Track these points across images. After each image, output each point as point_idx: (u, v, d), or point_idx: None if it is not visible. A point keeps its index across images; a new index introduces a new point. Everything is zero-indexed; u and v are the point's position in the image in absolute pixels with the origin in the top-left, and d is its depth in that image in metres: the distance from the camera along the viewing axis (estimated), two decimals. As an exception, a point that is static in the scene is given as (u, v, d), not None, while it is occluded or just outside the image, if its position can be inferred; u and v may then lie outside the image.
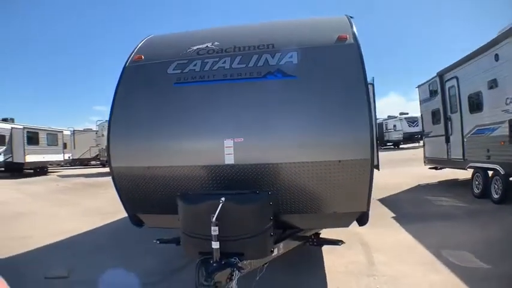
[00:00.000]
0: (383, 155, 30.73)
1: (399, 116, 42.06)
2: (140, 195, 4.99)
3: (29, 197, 15.00)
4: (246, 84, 4.65)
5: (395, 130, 40.62)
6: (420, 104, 14.51)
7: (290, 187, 4.41)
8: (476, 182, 10.02)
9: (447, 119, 11.77)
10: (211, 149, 4.51)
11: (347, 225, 4.81)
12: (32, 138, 26.08)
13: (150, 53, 5.49)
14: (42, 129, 28.10)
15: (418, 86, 14.46)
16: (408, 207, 9.27)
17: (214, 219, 3.51)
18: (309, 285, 5.01)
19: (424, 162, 14.32)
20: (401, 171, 17.21)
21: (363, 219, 4.74)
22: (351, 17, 5.55)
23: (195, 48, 5.25)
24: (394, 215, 8.57)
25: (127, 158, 5.01)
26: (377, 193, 11.21)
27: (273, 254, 4.25)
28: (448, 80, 11.61)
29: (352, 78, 4.36)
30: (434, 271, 5.11)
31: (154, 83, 5.13)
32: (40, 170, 27.73)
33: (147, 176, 4.86)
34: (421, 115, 14.91)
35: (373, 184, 4.53)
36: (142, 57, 5.44)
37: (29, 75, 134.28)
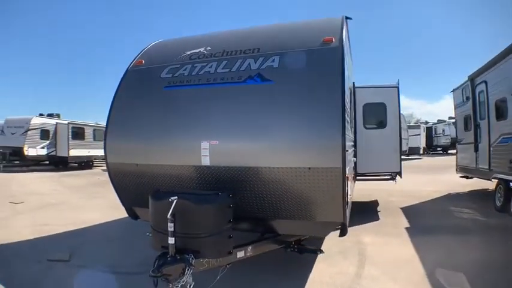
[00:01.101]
0: (428, 161, 30.21)
1: (448, 120, 40.33)
2: (132, 189, 5.34)
3: (66, 189, 15.78)
4: (227, 89, 4.77)
5: (443, 135, 39.03)
6: (455, 109, 13.80)
7: (262, 191, 4.49)
8: (499, 195, 9.49)
9: (476, 126, 11.13)
10: (190, 150, 4.70)
11: (324, 234, 4.80)
12: (77, 133, 27.37)
13: (150, 58, 5.80)
14: (89, 125, 29.45)
15: (453, 90, 13.80)
16: (426, 218, 8.92)
17: (168, 215, 3.67)
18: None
19: (456, 170, 13.66)
20: (438, 178, 16.70)
21: (342, 231, 4.69)
22: (348, 18, 5.54)
23: (189, 53, 5.46)
24: (408, 225, 8.26)
25: (120, 155, 5.41)
26: (403, 201, 11.13)
27: (238, 256, 4.34)
28: (478, 84, 10.96)
29: (328, 82, 4.33)
30: None
31: (149, 87, 5.42)
32: (85, 164, 28.97)
33: (136, 172, 5.23)
34: (456, 121, 14.28)
35: (347, 194, 4.53)
36: (143, 61, 5.78)
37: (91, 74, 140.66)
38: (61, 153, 26.08)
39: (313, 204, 4.38)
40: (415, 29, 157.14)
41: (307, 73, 4.52)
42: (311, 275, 5.36)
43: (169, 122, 5.03)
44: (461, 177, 13.35)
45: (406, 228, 7.91)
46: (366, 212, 9.87)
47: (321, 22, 5.45)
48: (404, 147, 27.16)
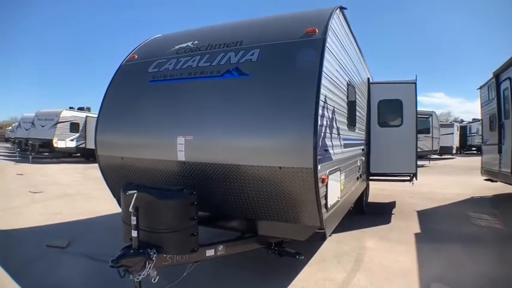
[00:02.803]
0: (459, 161, 29.17)
1: (483, 119, 38.43)
2: (120, 182, 5.34)
3: (87, 181, 16.13)
4: (205, 83, 4.67)
5: (478, 134, 37.37)
6: (481, 107, 13.09)
7: (237, 190, 4.36)
8: (521, 200, 8.88)
9: (500, 126, 10.47)
10: (168, 144, 4.66)
11: (302, 238, 4.51)
12: (107, 126, 27.86)
13: (143, 53, 5.83)
14: (120, 119, 29.88)
15: (480, 88, 13.09)
16: (440, 224, 8.40)
17: (130, 208, 3.65)
18: None
19: (481, 172, 12.99)
20: (465, 180, 15.99)
21: (320, 235, 4.46)
22: (344, 8, 5.31)
23: (177, 47, 5.42)
24: (419, 231, 7.82)
25: (108, 148, 5.51)
26: (421, 204, 10.65)
27: (208, 254, 4.25)
28: (503, 81, 10.29)
29: (303, 77, 4.12)
30: None
31: (137, 81, 5.43)
32: (116, 156, 29.51)
33: (122, 165, 5.32)
34: (482, 120, 13.55)
35: (326, 196, 4.29)
36: (136, 56, 5.83)
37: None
38: (90, 145, 26.49)
39: (287, 206, 4.20)
40: (458, 27, 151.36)
41: (284, 67, 4.32)
42: (295, 280, 5.14)
43: (151, 116, 5.03)
44: (485, 180, 12.68)
45: (415, 234, 7.48)
46: (379, 214, 9.53)
47: (310, 13, 5.20)
48: (436, 147, 26.30)
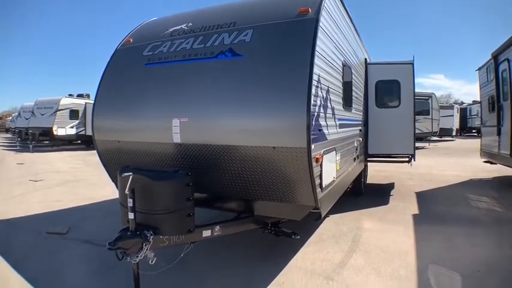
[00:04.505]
0: (459, 143, 29.10)
1: (483, 101, 38.06)
2: (117, 166, 5.33)
3: (88, 167, 16.22)
4: (199, 65, 4.66)
5: (478, 116, 37.12)
6: (480, 89, 12.96)
7: (232, 170, 4.39)
8: (519, 184, 8.82)
9: (499, 107, 10.37)
10: (163, 127, 4.68)
11: (297, 217, 4.56)
12: (106, 112, 27.77)
13: (138, 37, 5.80)
14: (117, 104, 29.78)
15: (478, 69, 12.95)
16: (438, 205, 8.40)
17: (126, 191, 3.67)
18: (252, 274, 4.79)
19: (480, 154, 12.93)
20: (464, 162, 16.01)
21: (316, 215, 4.52)
22: None
23: (171, 30, 5.39)
24: (417, 212, 7.85)
25: (105, 133, 5.54)
26: (420, 185, 10.70)
27: (204, 235, 4.29)
28: (501, 62, 10.17)
29: (296, 57, 4.10)
30: None
31: (132, 65, 5.43)
32: (117, 142, 29.47)
33: (119, 149, 5.35)
34: (481, 102, 13.47)
35: (320, 176, 4.32)
36: (131, 40, 5.79)
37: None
38: (90, 132, 26.45)
39: (282, 186, 4.23)
40: (458, 9, 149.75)
41: (277, 47, 4.30)
42: (293, 260, 5.20)
43: (146, 99, 5.03)
44: (484, 162, 12.64)
45: (414, 216, 7.51)
46: (378, 195, 9.57)
47: None
48: (435, 128, 26.26)
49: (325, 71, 4.61)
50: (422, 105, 23.82)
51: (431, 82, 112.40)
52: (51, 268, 4.99)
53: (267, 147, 4.02)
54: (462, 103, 44.95)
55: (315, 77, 4.01)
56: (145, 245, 3.68)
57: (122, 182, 3.86)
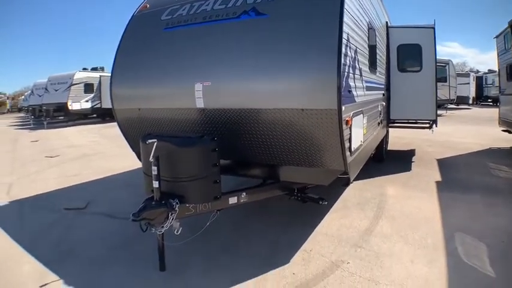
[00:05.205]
0: (476, 111, 28.45)
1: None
2: (138, 134, 5.27)
3: (105, 140, 16.15)
4: (221, 26, 4.47)
5: (494, 86, 36.19)
6: (497, 56, 12.47)
7: (258, 135, 4.24)
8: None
9: (517, 76, 10.02)
10: (185, 92, 4.52)
11: (325, 183, 4.40)
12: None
13: (155, 1, 5.60)
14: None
15: (496, 37, 12.44)
16: (459, 173, 8.20)
17: (150, 158, 3.57)
18: (278, 242, 4.72)
19: (498, 123, 12.55)
20: (483, 131, 15.60)
21: (344, 180, 4.39)
22: None
23: None
24: (439, 179, 7.69)
25: (124, 101, 5.42)
26: (441, 152, 10.49)
27: (231, 202, 4.20)
28: None
29: (325, 13, 3.87)
30: (428, 262, 4.10)
31: (150, 30, 5.26)
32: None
33: (139, 117, 5.23)
34: (499, 70, 13.01)
35: (350, 139, 4.16)
36: (148, 6, 5.61)
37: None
38: (106, 105, 25.98)
39: (310, 150, 4.07)
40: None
41: (303, 4, 4.06)
42: (319, 226, 5.12)
43: (166, 64, 4.86)
44: (503, 131, 12.28)
45: (436, 183, 7.37)
46: (400, 161, 9.42)
47: None
48: (453, 96, 25.66)
49: (353, 30, 4.39)
50: (440, 72, 23.06)
51: (446, 50, 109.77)
52: (69, 245, 4.84)
53: (294, 109, 3.84)
54: (478, 71, 43.74)
55: (344, 35, 3.79)
56: (171, 215, 3.60)
57: (146, 149, 3.76)
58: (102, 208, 6.32)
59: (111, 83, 5.52)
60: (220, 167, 3.94)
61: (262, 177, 4.90)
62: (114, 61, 5.51)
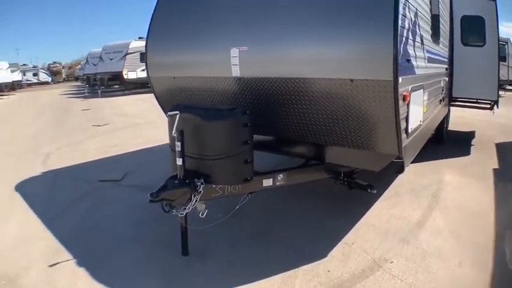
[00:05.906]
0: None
1: None
2: (172, 102, 5.02)
3: (157, 108, 15.84)
4: None
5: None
6: None
7: (300, 108, 3.72)
8: None
9: None
10: (220, 59, 4.12)
11: (375, 168, 3.84)
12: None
13: None
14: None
15: None
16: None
17: (173, 133, 3.23)
18: (319, 231, 4.25)
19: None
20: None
21: (397, 166, 3.77)
22: None
23: None
24: (497, 166, 6.85)
25: (159, 69, 5.16)
26: (500, 137, 9.41)
27: (265, 185, 3.76)
28: None
29: None
30: (476, 265, 3.53)
31: None
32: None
33: (174, 86, 4.98)
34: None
35: (407, 118, 3.54)
36: None
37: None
38: None
39: (359, 129, 3.48)
40: None
41: None
42: (365, 216, 4.57)
43: (201, 29, 4.46)
44: None
45: (494, 170, 6.56)
46: (459, 144, 8.61)
47: None
48: (511, 77, 23.41)
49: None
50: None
51: (504, 30, 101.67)
52: (94, 221, 4.65)
53: (342, 79, 3.25)
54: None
55: None
56: (194, 196, 3.23)
57: (170, 122, 3.42)
58: (138, 181, 6.09)
59: (146, 50, 5.28)
60: (255, 144, 3.54)
61: (305, 157, 4.43)
62: (149, 27, 5.19)
